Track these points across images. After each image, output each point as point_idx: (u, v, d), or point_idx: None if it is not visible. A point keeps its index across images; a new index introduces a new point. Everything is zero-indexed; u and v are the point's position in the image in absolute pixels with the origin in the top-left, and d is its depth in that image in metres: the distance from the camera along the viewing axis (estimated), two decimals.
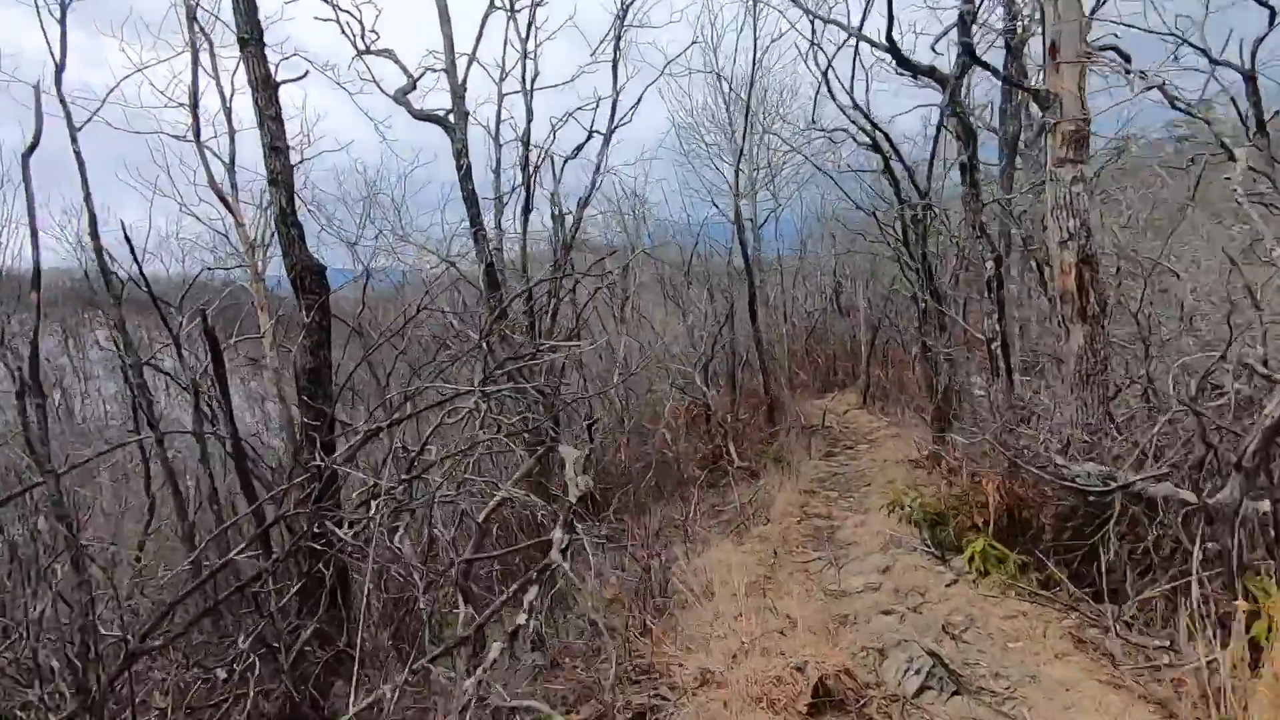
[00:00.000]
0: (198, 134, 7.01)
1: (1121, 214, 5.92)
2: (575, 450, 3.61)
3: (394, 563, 3.76)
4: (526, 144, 8.31)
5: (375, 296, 13.41)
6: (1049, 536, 4.13)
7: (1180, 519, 3.45)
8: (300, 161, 10.92)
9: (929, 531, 4.83)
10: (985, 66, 5.38)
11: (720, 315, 11.97)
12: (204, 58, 7.22)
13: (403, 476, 4.00)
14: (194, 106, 6.92)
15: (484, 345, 4.40)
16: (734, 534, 6.71)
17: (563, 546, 3.35)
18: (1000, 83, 7.51)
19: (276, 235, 4.92)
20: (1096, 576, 3.90)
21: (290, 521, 3.70)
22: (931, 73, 5.65)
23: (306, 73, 5.05)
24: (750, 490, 8.09)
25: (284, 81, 4.86)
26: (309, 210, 10.28)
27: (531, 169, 9.19)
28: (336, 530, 3.37)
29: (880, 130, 7.92)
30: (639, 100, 8.22)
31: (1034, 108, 9.57)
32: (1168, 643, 3.14)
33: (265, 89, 4.81)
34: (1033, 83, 6.81)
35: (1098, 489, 3.57)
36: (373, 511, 3.66)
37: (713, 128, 16.08)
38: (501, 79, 9.85)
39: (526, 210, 9.32)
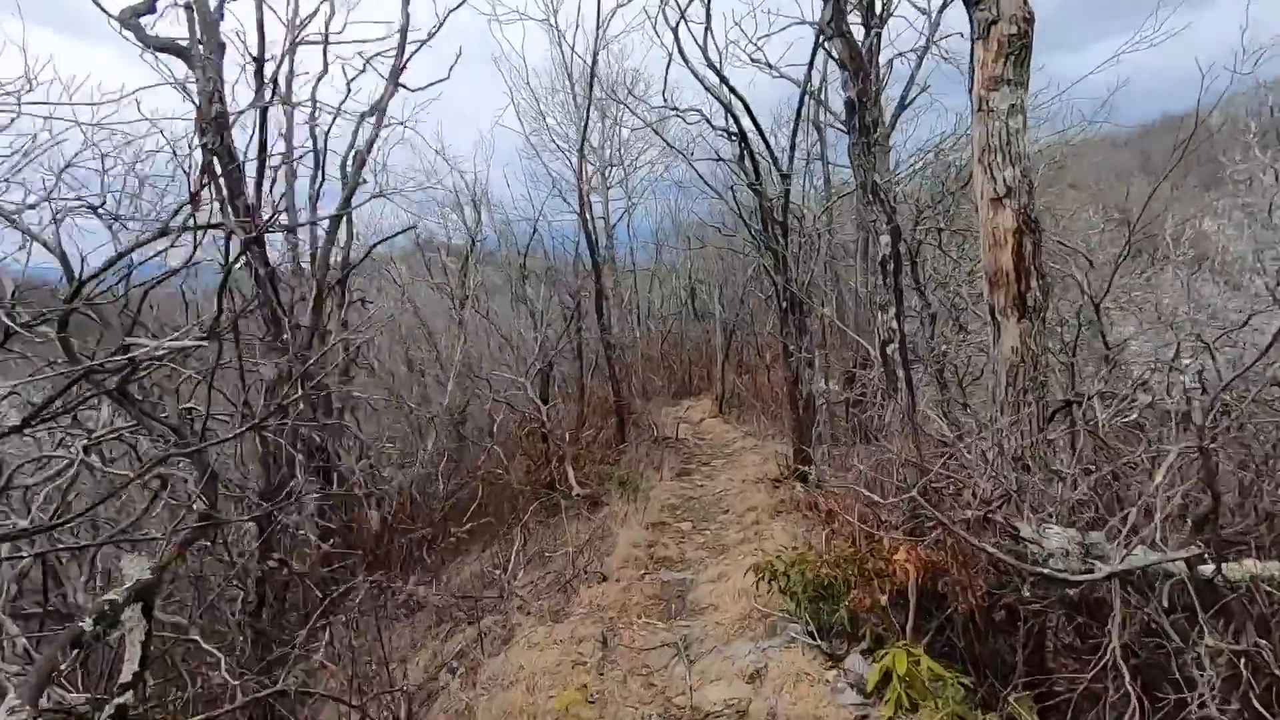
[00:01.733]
0: None
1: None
2: (140, 565, 1.68)
3: None
4: (277, 90, 6.06)
5: None
6: (989, 633, 2.72)
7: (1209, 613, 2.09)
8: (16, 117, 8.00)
9: (810, 610, 3.31)
10: None
11: (567, 315, 10.23)
12: None
13: None
14: None
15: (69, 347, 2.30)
16: (560, 597, 4.95)
17: None
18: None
19: None
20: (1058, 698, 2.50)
21: None
22: None
23: None
24: (586, 529, 6.36)
25: None
26: None
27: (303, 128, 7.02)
28: None
29: (736, 95, 6.50)
30: (442, 23, 6.19)
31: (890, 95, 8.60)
32: None
33: None
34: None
35: (1082, 576, 2.17)
36: None
37: (555, 109, 14.35)
38: (299, 26, 7.51)
39: (308, 178, 7.11)
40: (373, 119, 6.64)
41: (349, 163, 6.80)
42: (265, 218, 5.01)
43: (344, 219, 5.43)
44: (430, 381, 10.98)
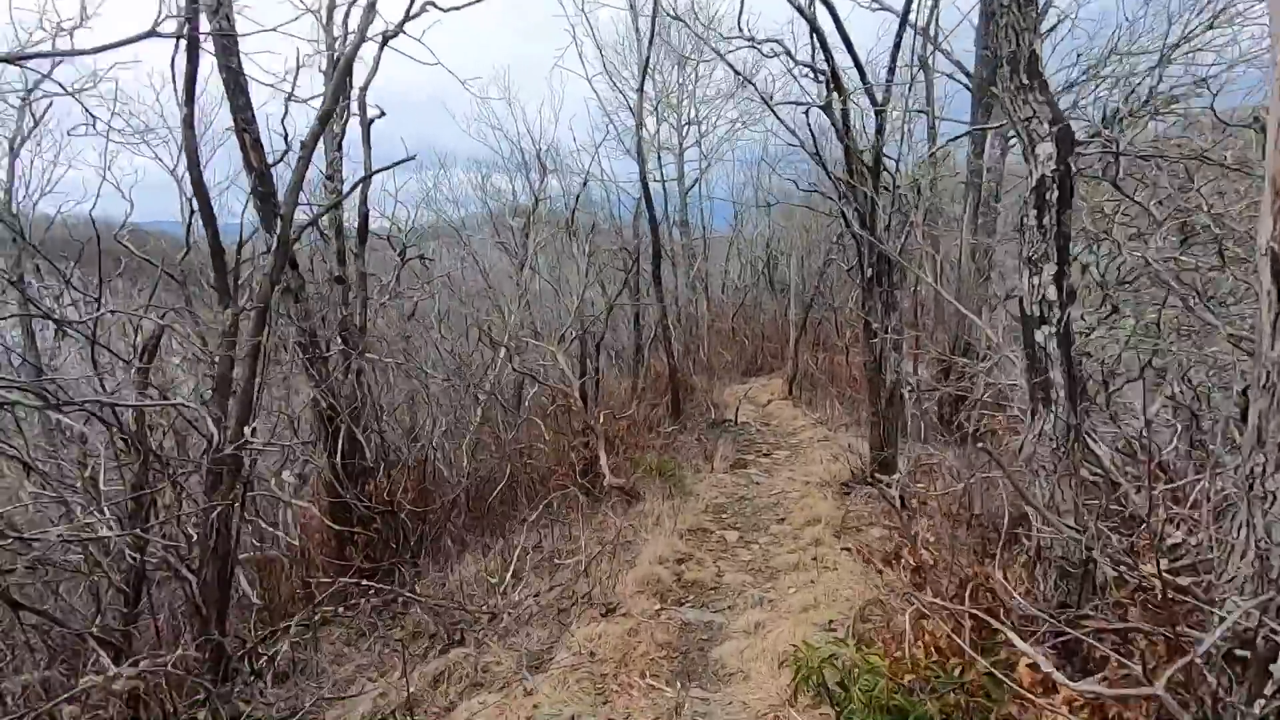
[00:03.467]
0: None
1: None
2: None
3: None
4: None
5: None
6: None
7: None
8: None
9: None
10: None
11: (626, 276, 9.03)
12: None
13: None
14: None
15: None
16: (552, 628, 3.82)
17: None
18: None
19: None
20: None
21: None
22: None
23: None
24: (612, 530, 5.19)
25: None
26: None
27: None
28: None
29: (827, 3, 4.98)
30: None
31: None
32: None
33: None
34: None
35: None
36: None
37: (626, 55, 12.94)
38: None
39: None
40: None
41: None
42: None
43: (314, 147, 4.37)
44: (483, 346, 10.07)
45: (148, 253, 6.38)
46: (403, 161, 4.28)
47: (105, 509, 2.49)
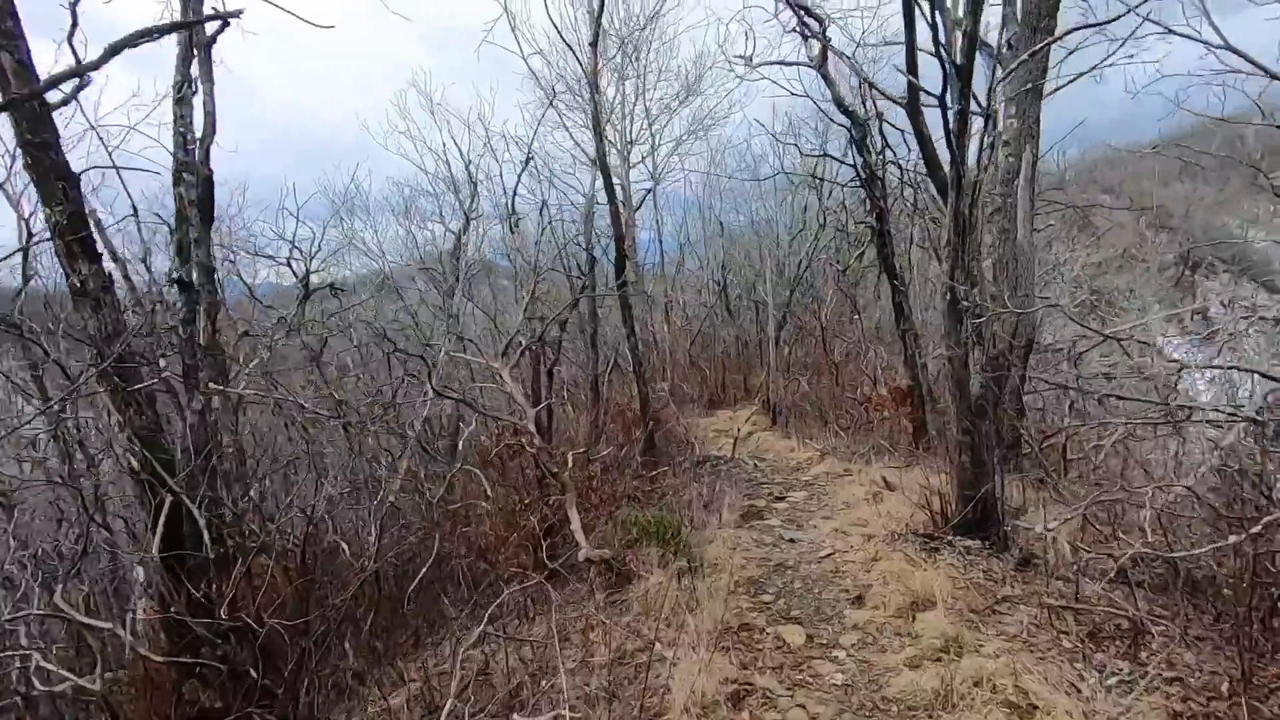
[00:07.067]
0: None
1: None
2: None
3: None
4: None
5: None
6: None
7: None
8: None
9: None
10: None
11: (577, 279, 7.05)
12: None
13: None
14: None
15: None
16: None
17: None
18: None
19: None
20: None
21: None
22: None
23: None
24: (602, 635, 3.06)
25: None
26: None
27: None
28: None
29: None
30: None
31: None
32: None
33: None
34: None
35: None
36: None
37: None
38: None
39: None
40: None
41: None
42: None
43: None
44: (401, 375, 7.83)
45: None
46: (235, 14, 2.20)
47: None
